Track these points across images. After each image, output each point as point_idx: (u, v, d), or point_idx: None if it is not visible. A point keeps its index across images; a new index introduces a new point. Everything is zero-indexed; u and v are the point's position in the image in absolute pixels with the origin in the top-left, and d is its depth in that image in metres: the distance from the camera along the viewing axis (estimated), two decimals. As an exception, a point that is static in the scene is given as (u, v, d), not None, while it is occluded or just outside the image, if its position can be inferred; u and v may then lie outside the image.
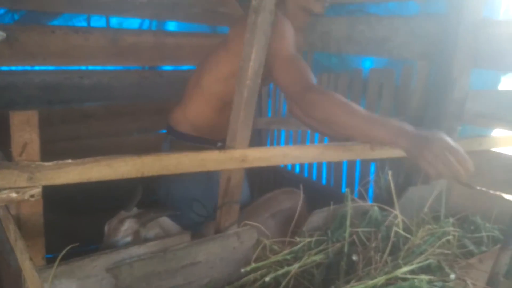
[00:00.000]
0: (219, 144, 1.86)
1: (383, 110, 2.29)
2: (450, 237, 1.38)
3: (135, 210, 1.37)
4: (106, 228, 1.33)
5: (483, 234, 1.58)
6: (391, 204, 1.66)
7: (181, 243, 1.30)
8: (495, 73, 2.20)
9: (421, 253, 1.28)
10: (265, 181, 3.06)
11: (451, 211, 1.89)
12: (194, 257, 1.32)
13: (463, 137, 1.94)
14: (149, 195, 2.40)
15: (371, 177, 2.41)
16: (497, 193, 1.88)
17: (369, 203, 1.62)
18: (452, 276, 1.17)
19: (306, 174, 3.05)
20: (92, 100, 2.60)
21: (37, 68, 2.48)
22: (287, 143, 3.05)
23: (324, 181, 2.90)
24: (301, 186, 1.58)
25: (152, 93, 2.66)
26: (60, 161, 1.07)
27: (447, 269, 1.21)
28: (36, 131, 1.07)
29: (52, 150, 2.54)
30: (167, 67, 2.94)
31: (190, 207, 1.71)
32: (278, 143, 3.15)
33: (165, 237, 1.29)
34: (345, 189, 1.62)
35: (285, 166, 3.22)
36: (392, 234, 1.38)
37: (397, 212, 1.44)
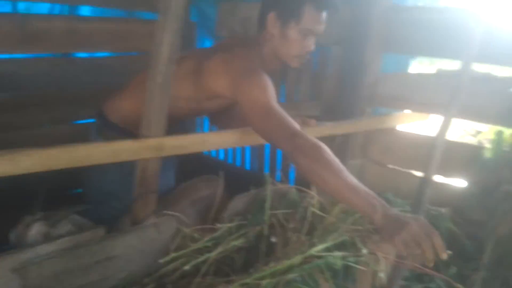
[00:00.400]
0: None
1: (302, 94, 2.33)
2: (360, 215, 1.43)
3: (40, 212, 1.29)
4: (12, 236, 1.24)
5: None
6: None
7: (95, 238, 1.25)
8: (405, 56, 2.32)
9: (336, 231, 1.33)
10: (188, 168, 3.03)
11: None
12: (109, 251, 1.27)
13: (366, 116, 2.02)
14: (66, 189, 2.29)
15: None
16: (407, 170, 2.00)
17: (289, 185, 1.66)
18: (364, 251, 1.22)
19: (230, 160, 3.05)
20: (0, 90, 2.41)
21: None
22: (210, 129, 3.03)
23: (248, 166, 2.92)
24: (220, 172, 1.57)
25: (65, 82, 2.49)
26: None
27: (359, 245, 1.27)
28: None
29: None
30: (81, 54, 2.78)
31: (106, 201, 1.65)
32: (202, 130, 3.12)
33: (76, 233, 1.23)
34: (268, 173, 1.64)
35: (209, 152, 3.20)
36: (309, 214, 1.42)
37: (313, 193, 1.48)
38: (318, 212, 1.42)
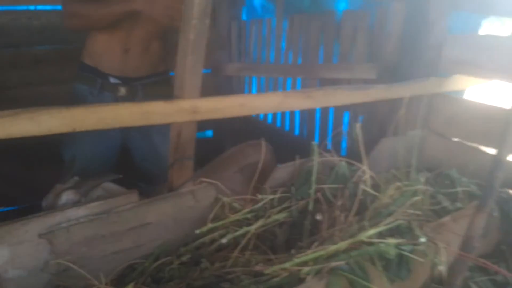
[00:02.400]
0: (111, 79, 1.76)
1: (357, 55, 2.13)
2: (419, 197, 1.27)
3: (73, 180, 1.22)
4: (43, 205, 1.18)
5: (459, 189, 1.48)
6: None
7: (127, 204, 1.17)
8: (475, 16, 2.05)
9: (390, 214, 1.18)
10: (236, 131, 2.91)
11: (425, 164, 1.79)
12: (142, 218, 1.20)
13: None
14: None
15: (344, 127, 2.29)
16: (474, 145, 1.79)
17: (338, 156, 1.51)
18: (422, 239, 1.07)
19: (278, 124, 2.91)
20: (43, 43, 2.37)
21: (-21, 9, 2.23)
22: (259, 91, 2.89)
23: (297, 132, 2.77)
24: (262, 139, 1.45)
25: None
26: (-29, 116, 0.91)
27: (417, 232, 1.11)
28: None
29: (2, 97, 2.34)
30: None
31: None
32: (250, 92, 2.98)
33: (108, 198, 1.16)
34: (317, 141, 1.51)
35: (257, 115, 3.08)
36: (359, 191, 1.28)
37: (365, 167, 1.33)
38: (370, 190, 1.27)
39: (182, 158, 1.24)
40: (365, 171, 1.33)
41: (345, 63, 2.15)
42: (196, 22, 1.11)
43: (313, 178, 1.36)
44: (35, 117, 0.96)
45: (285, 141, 2.61)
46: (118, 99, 1.76)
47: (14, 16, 2.31)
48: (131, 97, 1.77)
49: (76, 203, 1.15)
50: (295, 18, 2.38)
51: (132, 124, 1.10)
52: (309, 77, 2.36)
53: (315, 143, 1.46)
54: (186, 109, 1.16)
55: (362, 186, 1.28)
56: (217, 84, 2.94)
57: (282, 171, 1.46)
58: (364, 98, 1.50)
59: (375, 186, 1.32)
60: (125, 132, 1.81)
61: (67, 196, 1.14)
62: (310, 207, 1.31)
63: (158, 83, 1.86)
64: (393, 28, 1.93)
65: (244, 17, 2.93)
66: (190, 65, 1.16)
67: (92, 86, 1.76)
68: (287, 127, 2.83)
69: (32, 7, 2.36)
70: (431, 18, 1.78)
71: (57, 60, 2.36)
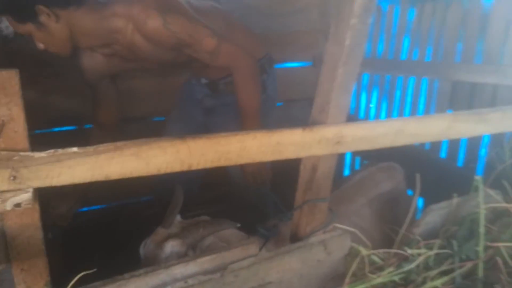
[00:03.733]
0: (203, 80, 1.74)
1: (510, 56, 1.71)
2: None
3: (177, 219, 0.97)
4: (141, 252, 0.94)
5: None
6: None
7: (245, 258, 0.91)
8: None
9: None
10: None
11: None
12: (263, 277, 0.92)
13: None
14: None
15: (482, 146, 1.86)
16: None
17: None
18: None
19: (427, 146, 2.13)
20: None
21: None
22: (370, 90, 2.51)
23: (442, 153, 2.05)
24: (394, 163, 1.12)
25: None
26: (60, 150, 0.68)
27: None
28: (18, 102, 0.66)
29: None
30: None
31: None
32: (358, 92, 2.57)
33: (223, 249, 0.89)
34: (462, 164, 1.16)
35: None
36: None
37: None
38: None
39: (315, 200, 0.95)
40: None
41: (493, 64, 1.74)
42: (355, 22, 0.80)
43: (481, 230, 1.02)
44: (141, 152, 0.71)
45: (422, 162, 2.02)
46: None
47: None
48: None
49: (183, 257, 0.90)
50: (427, 7, 1.98)
51: (261, 159, 0.82)
52: (441, 79, 1.96)
53: (479, 176, 1.11)
54: (329, 138, 0.86)
55: None
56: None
57: (435, 214, 1.12)
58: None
59: None
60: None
61: (171, 248, 0.90)
62: (480, 273, 0.97)
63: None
64: None
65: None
66: (340, 80, 0.85)
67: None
68: (427, 145, 2.11)
69: None
70: None
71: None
